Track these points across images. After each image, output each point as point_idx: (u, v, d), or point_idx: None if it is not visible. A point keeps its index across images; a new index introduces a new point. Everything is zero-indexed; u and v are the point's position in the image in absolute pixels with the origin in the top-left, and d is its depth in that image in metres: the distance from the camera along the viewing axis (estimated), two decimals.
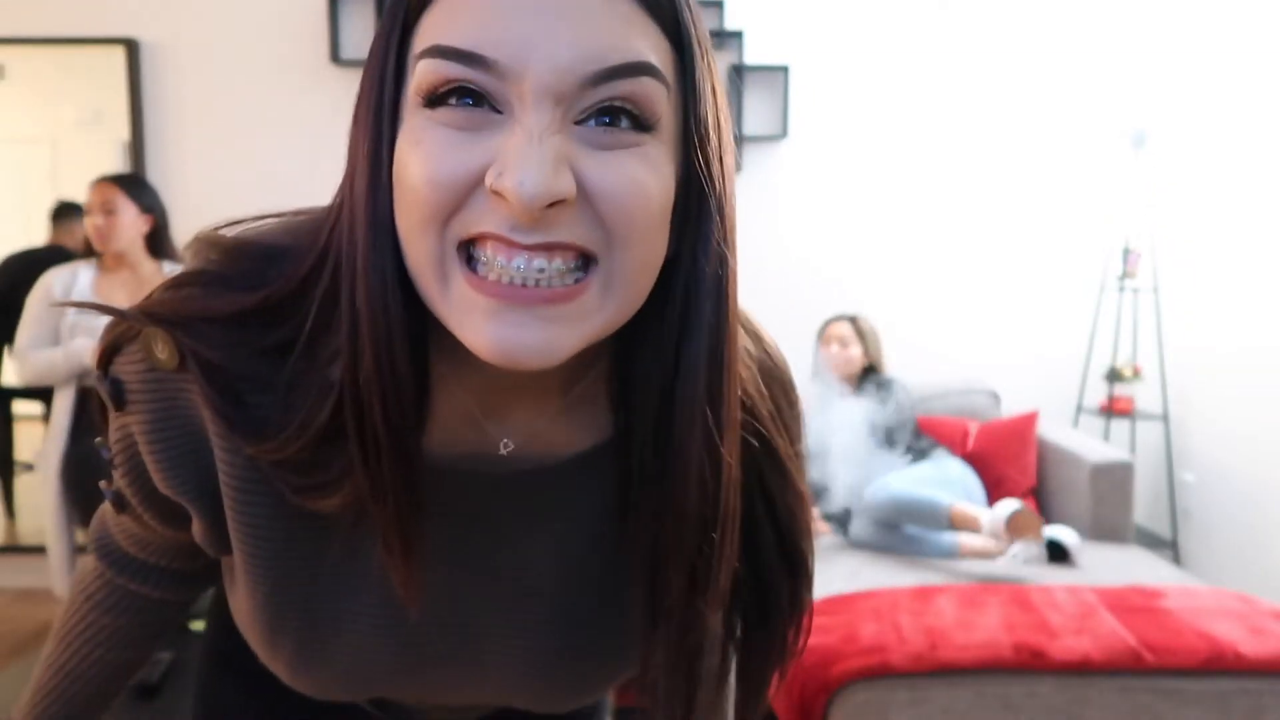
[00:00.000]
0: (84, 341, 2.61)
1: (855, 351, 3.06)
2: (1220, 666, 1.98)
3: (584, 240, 0.47)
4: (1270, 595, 2.94)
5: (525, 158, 0.44)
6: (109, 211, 2.67)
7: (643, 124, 0.48)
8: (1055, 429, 3.20)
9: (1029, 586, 2.36)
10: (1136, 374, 3.45)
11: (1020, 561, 2.62)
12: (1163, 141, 3.46)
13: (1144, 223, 3.44)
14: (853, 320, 3.12)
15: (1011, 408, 3.43)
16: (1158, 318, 3.42)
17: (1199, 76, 3.37)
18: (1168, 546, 3.40)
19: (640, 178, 0.47)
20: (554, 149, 0.45)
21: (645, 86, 0.47)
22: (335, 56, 3.48)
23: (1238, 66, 3.21)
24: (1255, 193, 3.14)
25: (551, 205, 0.45)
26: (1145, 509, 3.60)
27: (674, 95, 0.49)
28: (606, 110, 0.47)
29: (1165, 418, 3.45)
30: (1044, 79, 3.57)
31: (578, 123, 0.47)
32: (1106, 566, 2.60)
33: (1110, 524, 2.86)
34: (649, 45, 0.47)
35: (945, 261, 3.64)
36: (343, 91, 3.53)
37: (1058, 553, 2.63)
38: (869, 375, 3.08)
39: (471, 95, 0.46)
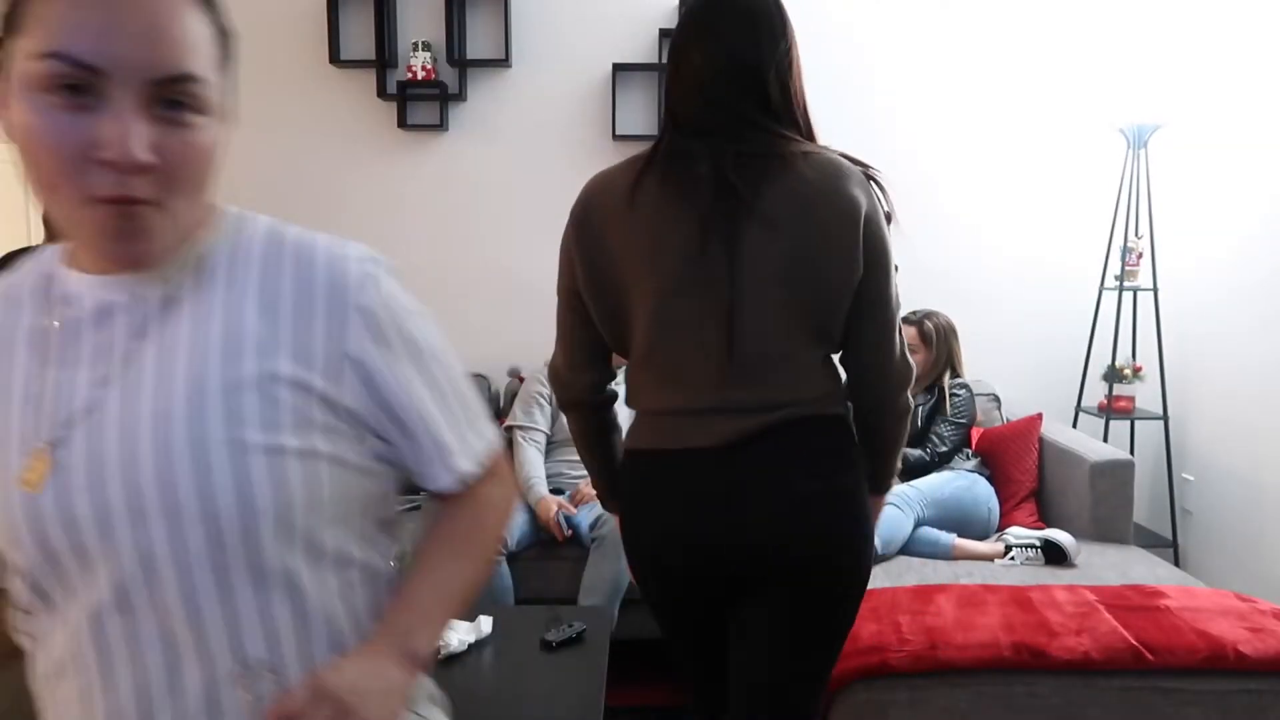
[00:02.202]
0: None
1: (918, 359, 3.00)
2: (1220, 666, 1.98)
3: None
4: (1270, 595, 2.94)
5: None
6: None
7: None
8: (1055, 429, 3.21)
9: (1029, 586, 2.36)
10: (1136, 374, 3.45)
11: (1018, 565, 2.63)
12: (1163, 141, 3.46)
13: (1144, 223, 3.44)
14: (919, 324, 3.05)
15: (1012, 408, 3.43)
16: (1158, 318, 3.42)
17: (1199, 76, 3.37)
18: (1168, 546, 3.40)
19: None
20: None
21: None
22: (335, 57, 3.49)
23: (1238, 66, 3.21)
24: (1255, 193, 3.14)
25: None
26: (1145, 509, 3.60)
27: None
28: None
29: (1165, 418, 3.45)
30: (1044, 78, 3.57)
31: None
32: (1106, 566, 2.60)
33: (1110, 524, 2.86)
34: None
35: (945, 261, 3.64)
36: (342, 92, 3.53)
37: (1054, 555, 2.63)
38: (937, 380, 3.02)
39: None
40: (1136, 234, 3.44)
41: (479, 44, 3.55)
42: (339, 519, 0.81)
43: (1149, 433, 3.56)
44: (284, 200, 3.58)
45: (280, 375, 0.78)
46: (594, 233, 1.39)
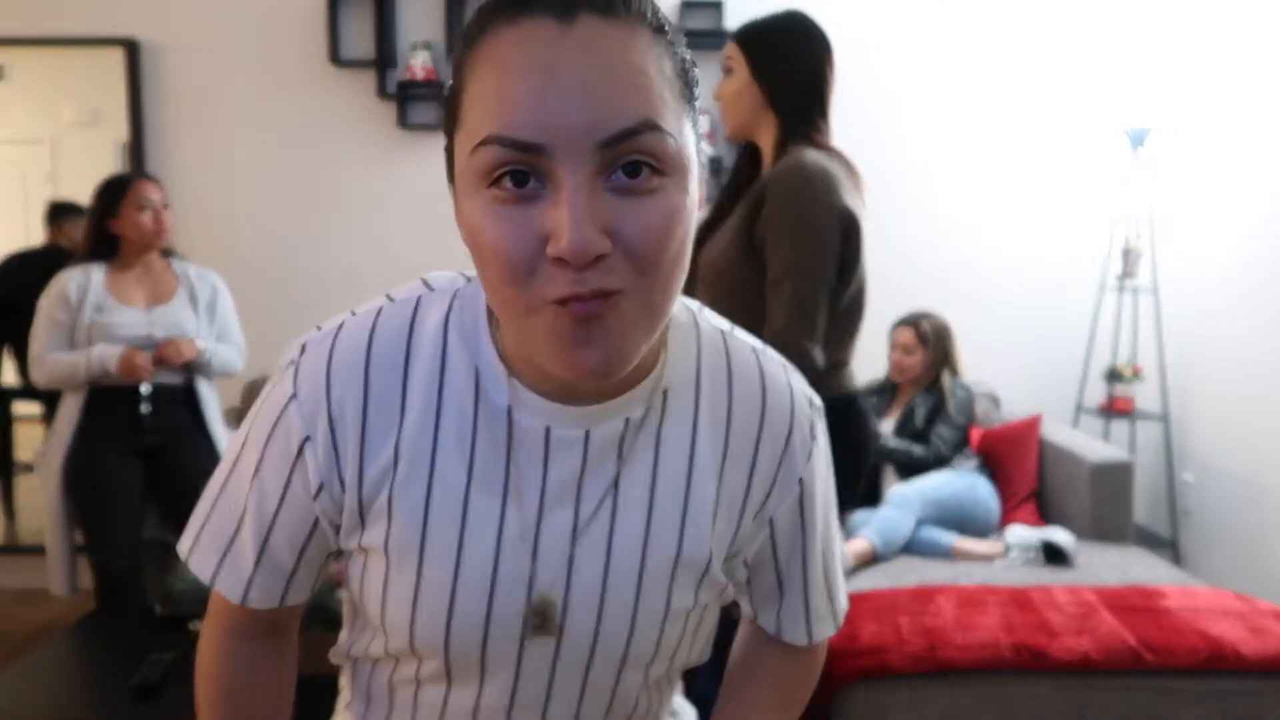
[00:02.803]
0: (107, 348, 2.62)
1: (915, 359, 3.04)
2: (1220, 666, 1.98)
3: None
4: (1270, 595, 2.94)
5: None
6: (165, 206, 2.73)
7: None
8: (1055, 429, 3.21)
9: (1029, 587, 2.36)
10: (1136, 374, 3.45)
11: (1018, 565, 2.62)
12: (1163, 141, 3.46)
13: (1144, 223, 3.44)
14: (915, 324, 3.08)
15: (1011, 408, 3.42)
16: (1158, 318, 3.42)
17: (1199, 76, 3.37)
18: (1168, 546, 3.40)
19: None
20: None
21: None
22: (335, 57, 3.48)
23: (1238, 66, 3.21)
24: (1255, 193, 3.14)
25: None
26: (1145, 509, 3.60)
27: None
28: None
29: (1165, 418, 3.45)
30: (1044, 79, 3.57)
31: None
32: (1106, 566, 2.60)
33: (1110, 524, 2.86)
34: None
35: (945, 261, 3.64)
36: (341, 93, 3.53)
37: (1054, 555, 2.63)
38: (936, 381, 3.05)
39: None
40: (1136, 234, 3.44)
41: None
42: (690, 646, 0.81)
43: (1149, 433, 3.56)
44: (284, 201, 3.58)
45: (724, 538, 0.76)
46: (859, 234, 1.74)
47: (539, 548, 0.71)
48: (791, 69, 1.78)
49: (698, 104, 0.67)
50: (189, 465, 2.75)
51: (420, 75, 3.45)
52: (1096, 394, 3.57)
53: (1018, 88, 3.59)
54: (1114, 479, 2.86)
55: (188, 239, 2.98)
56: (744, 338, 0.80)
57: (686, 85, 0.64)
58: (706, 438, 0.74)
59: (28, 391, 3.04)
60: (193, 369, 2.79)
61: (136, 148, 3.57)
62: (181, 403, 2.79)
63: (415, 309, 0.73)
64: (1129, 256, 3.42)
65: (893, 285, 3.46)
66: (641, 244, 0.59)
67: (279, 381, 0.71)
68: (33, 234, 3.63)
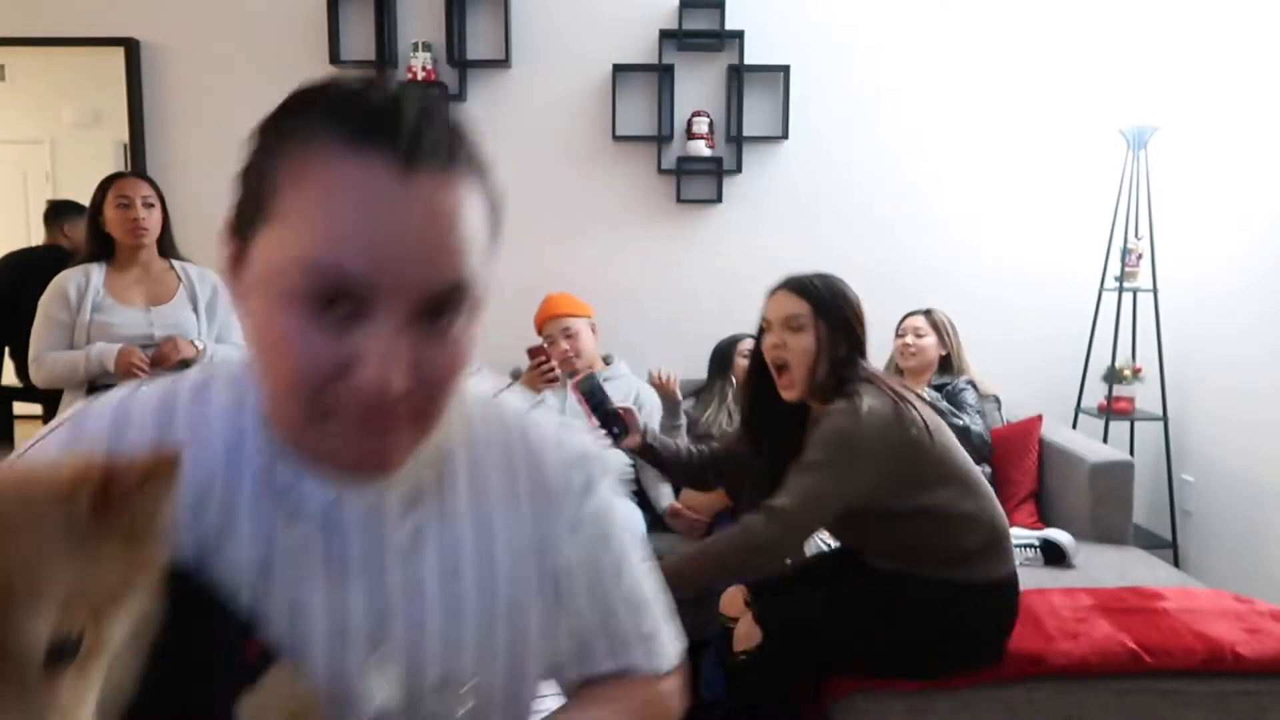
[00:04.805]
0: (106, 346, 2.62)
1: (927, 341, 3.10)
2: (1218, 668, 1.98)
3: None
4: (1270, 595, 2.94)
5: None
6: (150, 205, 2.71)
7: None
8: (1055, 429, 3.20)
9: (1027, 591, 2.36)
10: (1136, 374, 3.45)
11: (1017, 565, 2.62)
12: (1162, 141, 3.46)
13: (1144, 223, 3.44)
14: (927, 312, 3.16)
15: (1011, 408, 3.42)
16: (1157, 318, 3.42)
17: (1199, 76, 3.37)
18: (1168, 547, 3.40)
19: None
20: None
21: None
22: (335, 57, 3.48)
23: (1238, 66, 3.21)
24: (1256, 193, 3.14)
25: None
26: (1145, 509, 3.60)
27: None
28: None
29: (1165, 418, 3.45)
30: (1044, 79, 3.57)
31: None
32: (1106, 567, 2.60)
33: (1110, 524, 2.86)
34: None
35: (945, 262, 3.64)
36: None
37: (1054, 555, 2.63)
38: (945, 369, 3.13)
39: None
40: (1136, 235, 3.43)
41: (479, 44, 3.55)
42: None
43: (1149, 433, 3.56)
44: None
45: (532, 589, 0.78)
46: None
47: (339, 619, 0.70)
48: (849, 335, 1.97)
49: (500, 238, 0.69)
50: None
51: (420, 76, 3.45)
52: (1096, 394, 3.57)
53: (1018, 88, 3.59)
54: (1114, 479, 2.86)
55: (188, 239, 2.98)
56: (511, 402, 0.84)
57: (496, 220, 0.67)
58: (496, 491, 0.77)
59: (28, 391, 3.04)
60: (193, 368, 2.79)
61: (136, 148, 3.57)
62: None
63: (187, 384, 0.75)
64: (1129, 257, 3.42)
65: (893, 286, 3.47)
66: (439, 379, 0.63)
67: None
68: (33, 234, 3.63)
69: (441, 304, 0.61)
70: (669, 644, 0.88)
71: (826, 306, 1.95)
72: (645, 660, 0.86)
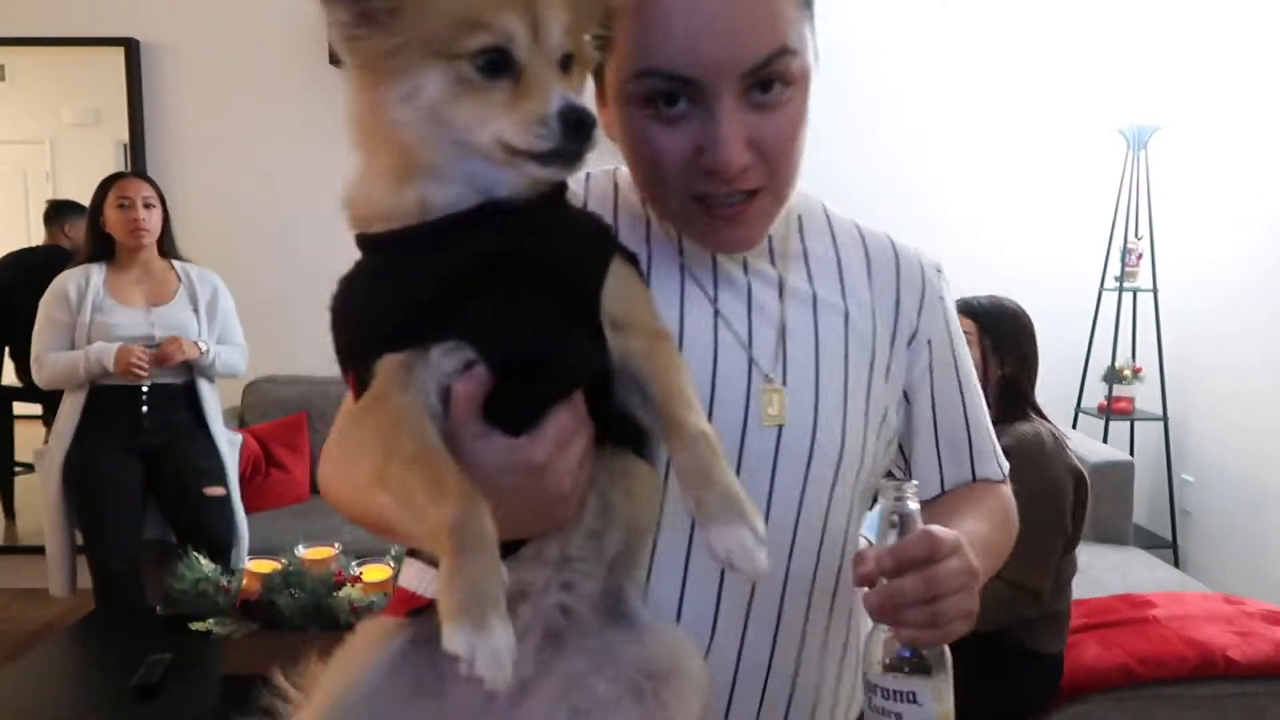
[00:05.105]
0: (105, 346, 2.62)
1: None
2: (1210, 673, 1.98)
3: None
4: (1270, 595, 2.94)
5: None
6: (150, 205, 2.71)
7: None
8: None
9: None
10: (1136, 374, 3.45)
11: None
12: (1163, 141, 3.46)
13: (1144, 223, 3.44)
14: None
15: None
16: (1157, 318, 3.42)
17: (1199, 76, 3.37)
18: (1167, 548, 3.40)
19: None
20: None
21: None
22: (334, 58, 3.47)
23: (1238, 66, 3.21)
24: (1256, 193, 3.14)
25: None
26: (1145, 509, 3.60)
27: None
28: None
29: (1165, 419, 3.44)
30: (1044, 79, 3.57)
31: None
32: (1106, 568, 2.60)
33: (1110, 525, 2.86)
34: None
35: (945, 261, 3.63)
36: (341, 93, 3.51)
37: None
38: None
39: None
40: (1136, 235, 3.43)
41: None
42: None
43: (1149, 434, 3.56)
44: (284, 201, 3.58)
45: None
46: None
47: (752, 331, 0.79)
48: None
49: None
50: (189, 465, 2.75)
51: None
52: (1096, 395, 3.57)
53: (1018, 88, 3.59)
54: (1114, 479, 2.86)
55: (188, 239, 2.98)
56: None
57: None
58: (849, 251, 0.85)
59: (28, 391, 3.04)
60: (194, 369, 2.78)
61: (136, 148, 3.57)
62: (182, 403, 2.79)
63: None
64: (1129, 257, 3.42)
65: None
66: (775, 152, 0.72)
67: None
68: (33, 234, 3.63)
69: (765, 77, 0.69)
70: (999, 450, 0.92)
71: (991, 325, 1.93)
72: (993, 466, 0.90)
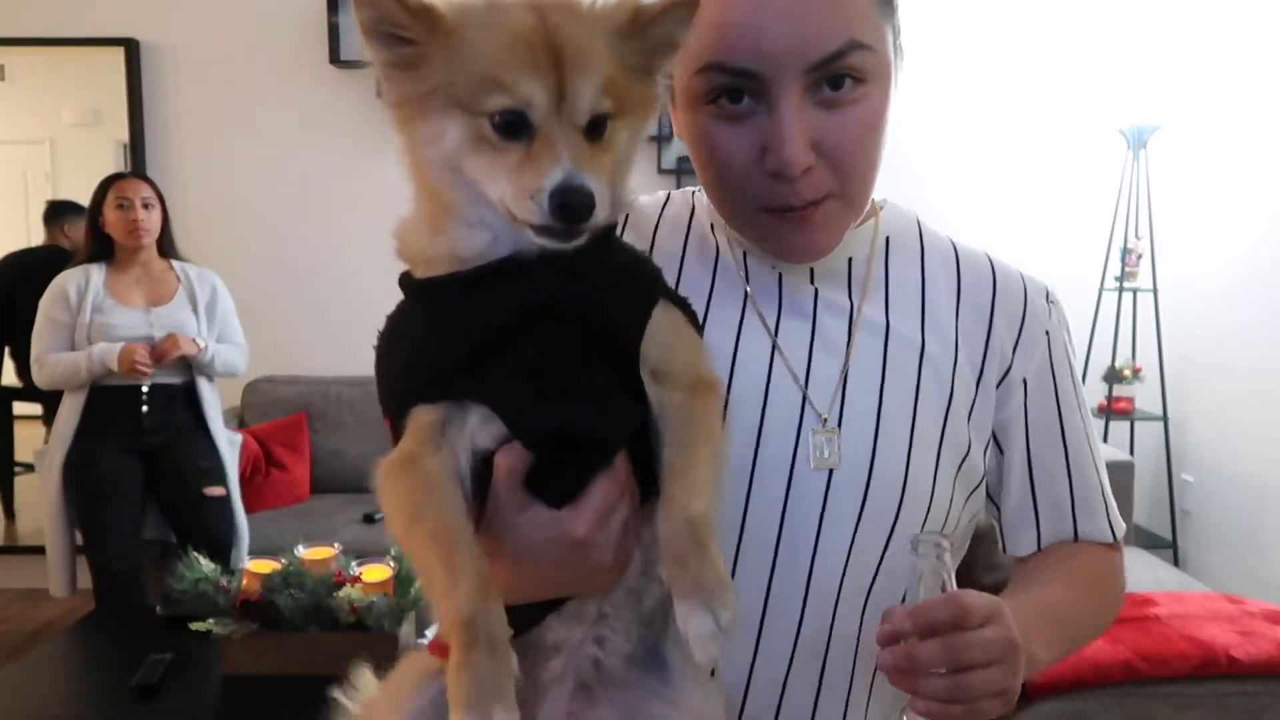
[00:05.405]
0: (107, 346, 2.62)
1: None
2: (1212, 672, 1.98)
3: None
4: (1270, 595, 2.94)
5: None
6: (148, 205, 2.71)
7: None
8: None
9: None
10: (1136, 374, 3.45)
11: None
12: (1163, 141, 3.46)
13: (1144, 223, 3.44)
14: None
15: None
16: (1157, 318, 3.42)
17: (1198, 76, 3.36)
18: (1167, 548, 3.40)
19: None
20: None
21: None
22: (335, 58, 3.48)
23: (1238, 66, 3.21)
24: (1256, 193, 3.14)
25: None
26: (1145, 509, 3.60)
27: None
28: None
29: (1165, 419, 3.44)
30: (1044, 79, 3.57)
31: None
32: None
33: None
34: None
35: None
36: (341, 93, 3.53)
37: None
38: None
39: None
40: (1136, 235, 3.43)
41: None
42: None
43: (1149, 434, 3.56)
44: (284, 201, 3.58)
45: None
46: None
47: (811, 360, 0.74)
48: None
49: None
50: (189, 465, 2.75)
51: None
52: (1096, 395, 3.57)
53: (1018, 89, 3.59)
54: (1114, 479, 2.81)
55: (188, 239, 2.98)
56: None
57: None
58: (937, 279, 0.78)
59: (28, 391, 3.04)
60: (194, 368, 2.79)
61: (136, 148, 3.57)
62: (182, 403, 2.79)
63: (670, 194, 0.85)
64: (1129, 257, 3.42)
65: None
66: (844, 154, 0.68)
67: None
68: (33, 234, 3.63)
69: (833, 73, 0.65)
70: (1114, 509, 0.84)
71: None
72: (1102, 525, 0.83)
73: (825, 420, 0.72)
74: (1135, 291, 3.44)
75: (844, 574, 0.71)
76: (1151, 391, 3.51)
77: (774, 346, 0.74)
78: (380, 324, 0.66)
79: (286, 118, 3.54)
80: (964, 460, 0.76)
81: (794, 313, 0.76)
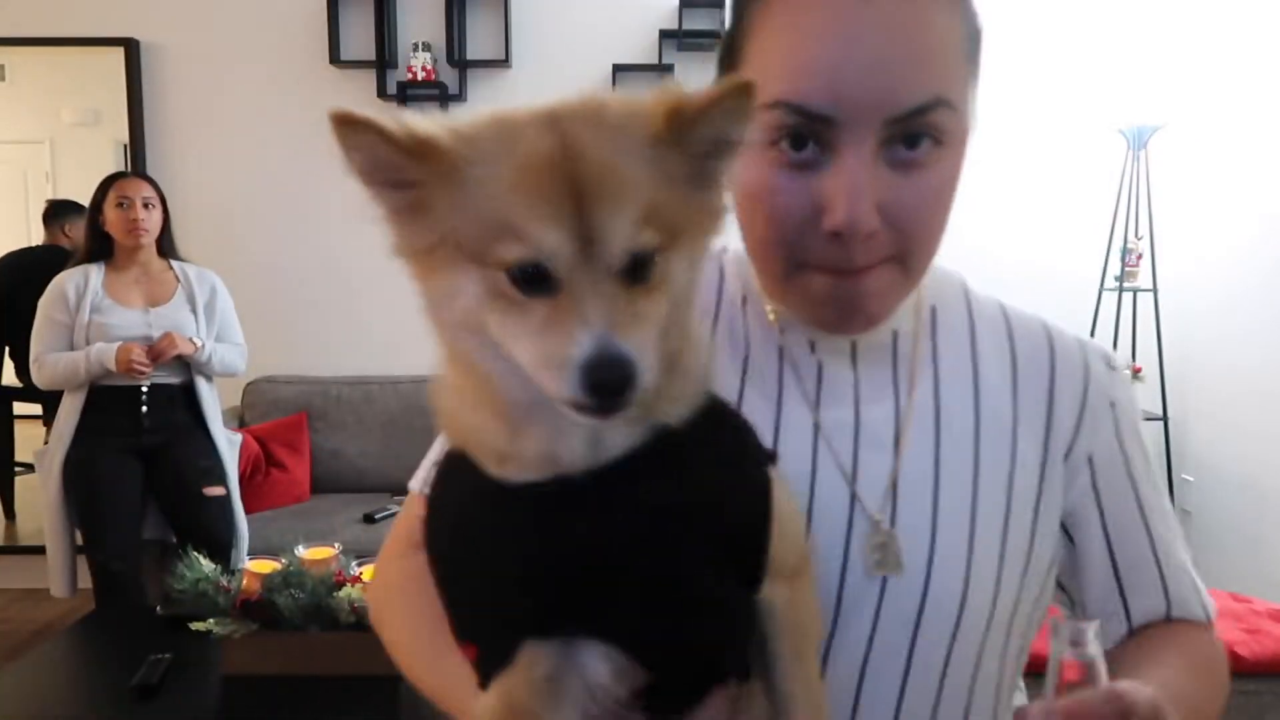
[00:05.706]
0: (105, 346, 2.62)
1: None
2: None
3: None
4: (1270, 595, 2.94)
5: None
6: (149, 205, 2.71)
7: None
8: None
9: None
10: (1136, 374, 3.45)
11: None
12: (1163, 141, 3.46)
13: (1144, 223, 3.44)
14: None
15: None
16: (1157, 318, 3.42)
17: (1199, 76, 3.36)
18: None
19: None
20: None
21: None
22: (334, 58, 3.48)
23: (1238, 66, 3.21)
24: (1256, 193, 3.14)
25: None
26: None
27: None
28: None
29: (1165, 419, 3.45)
30: (1044, 79, 3.57)
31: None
32: None
33: None
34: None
35: (944, 261, 3.62)
36: (341, 93, 3.53)
37: None
38: None
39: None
40: (1136, 235, 3.43)
41: (479, 44, 3.55)
42: None
43: (1148, 434, 3.51)
44: (284, 201, 3.58)
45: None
46: None
47: (854, 450, 0.68)
48: None
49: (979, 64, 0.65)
50: (188, 465, 2.75)
51: (420, 76, 3.45)
52: None
53: (1018, 88, 3.59)
54: None
55: (188, 239, 2.98)
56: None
57: (975, 47, 0.64)
58: (989, 353, 0.72)
59: (28, 391, 3.04)
60: (193, 368, 2.79)
61: (136, 148, 3.57)
62: (181, 403, 2.79)
63: None
64: (1128, 257, 3.42)
65: None
66: (911, 223, 0.61)
67: None
68: (33, 234, 3.63)
69: (912, 130, 0.59)
70: (1204, 589, 0.75)
71: None
72: (1195, 606, 0.72)
73: (878, 521, 0.66)
74: (1135, 291, 3.44)
75: (903, 685, 0.65)
76: (1151, 391, 3.51)
77: (816, 427, 0.68)
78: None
79: (286, 118, 3.54)
80: (1029, 553, 0.69)
81: (834, 399, 0.69)
